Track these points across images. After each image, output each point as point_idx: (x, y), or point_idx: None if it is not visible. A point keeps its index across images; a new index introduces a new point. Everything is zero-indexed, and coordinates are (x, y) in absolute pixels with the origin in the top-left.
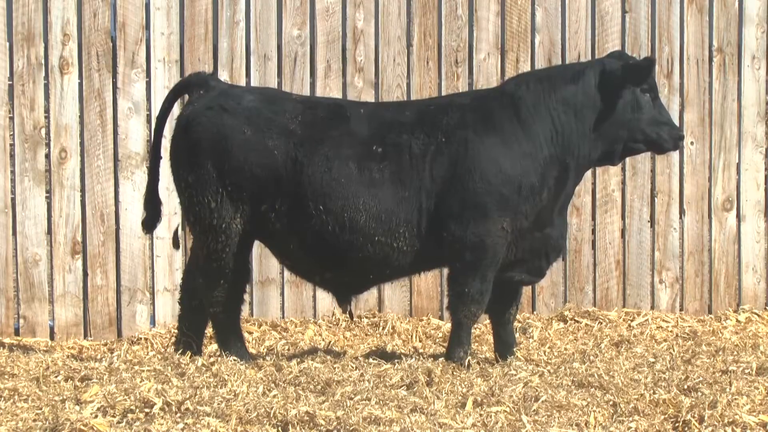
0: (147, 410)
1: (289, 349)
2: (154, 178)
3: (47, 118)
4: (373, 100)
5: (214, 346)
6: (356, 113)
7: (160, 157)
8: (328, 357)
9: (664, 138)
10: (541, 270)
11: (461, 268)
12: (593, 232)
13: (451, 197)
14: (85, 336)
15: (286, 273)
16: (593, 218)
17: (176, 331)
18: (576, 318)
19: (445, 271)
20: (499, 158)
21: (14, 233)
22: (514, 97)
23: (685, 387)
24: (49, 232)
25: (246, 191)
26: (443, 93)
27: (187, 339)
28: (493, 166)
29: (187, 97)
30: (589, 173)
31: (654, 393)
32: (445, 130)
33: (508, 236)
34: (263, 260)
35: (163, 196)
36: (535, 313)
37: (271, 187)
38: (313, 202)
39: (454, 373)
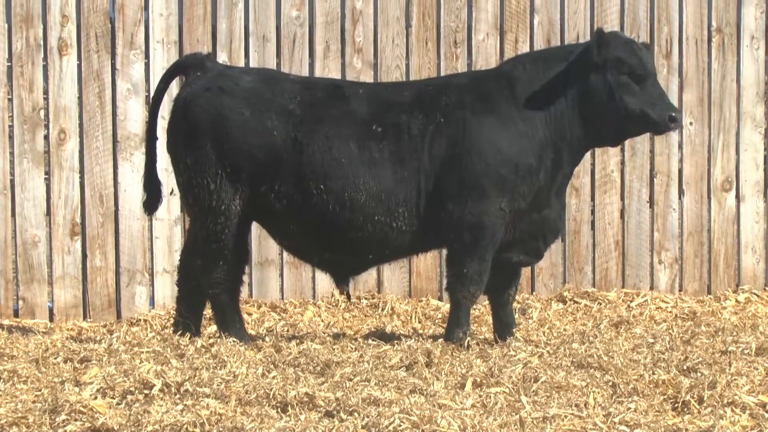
0: (146, 391)
1: (288, 331)
2: (151, 158)
3: (46, 99)
4: (371, 81)
5: (214, 328)
6: (355, 93)
7: (157, 138)
8: (328, 338)
9: (652, 119)
10: (539, 251)
11: (460, 248)
12: (592, 212)
13: (449, 177)
14: (84, 317)
15: (286, 254)
16: (592, 199)
17: (175, 312)
18: (575, 299)
19: (445, 251)
20: (496, 139)
21: (13, 215)
22: (510, 77)
23: (685, 367)
24: (48, 213)
25: (245, 172)
26: (442, 74)
27: (186, 321)
28: (491, 147)
29: (182, 78)
30: (588, 154)
31: (653, 374)
32: (443, 111)
33: (506, 216)
34: (262, 241)
35: (162, 177)
36: (534, 293)
37: (270, 168)
38: (314, 181)
39: (454, 354)
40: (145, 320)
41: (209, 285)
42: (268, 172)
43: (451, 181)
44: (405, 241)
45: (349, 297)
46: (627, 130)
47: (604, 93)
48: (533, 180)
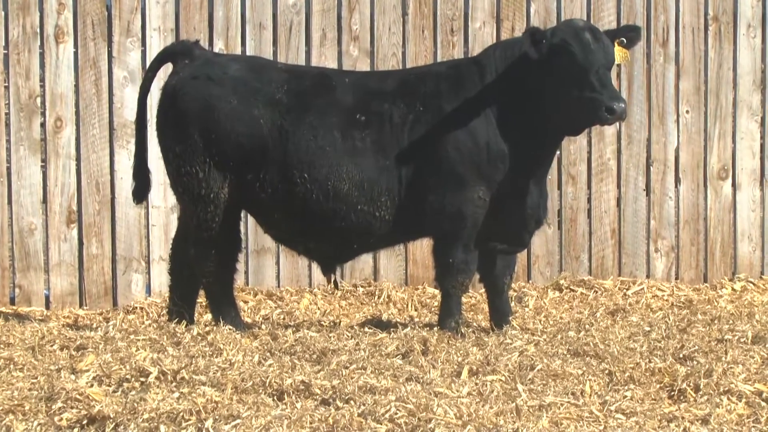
0: (142, 379)
1: (284, 318)
2: (141, 147)
3: (42, 87)
4: (368, 70)
5: (210, 316)
6: (341, 82)
7: (146, 126)
8: (324, 326)
9: (588, 109)
10: (522, 239)
11: (443, 238)
12: (589, 200)
13: (427, 166)
14: (81, 305)
15: None
16: (589, 187)
17: (168, 301)
18: (571, 287)
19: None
20: (469, 126)
21: (9, 202)
22: (480, 64)
23: (681, 356)
24: (45, 201)
25: (233, 161)
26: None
27: (179, 309)
28: (464, 135)
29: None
30: (584, 141)
31: (649, 362)
32: (422, 99)
33: (485, 204)
34: (258, 229)
35: (159, 166)
36: (530, 281)
37: (257, 157)
38: (298, 170)
39: (450, 342)
40: (142, 308)
41: (203, 274)
42: (254, 160)
43: (429, 171)
44: (389, 230)
45: (336, 285)
46: (572, 118)
47: (547, 81)
48: (506, 166)
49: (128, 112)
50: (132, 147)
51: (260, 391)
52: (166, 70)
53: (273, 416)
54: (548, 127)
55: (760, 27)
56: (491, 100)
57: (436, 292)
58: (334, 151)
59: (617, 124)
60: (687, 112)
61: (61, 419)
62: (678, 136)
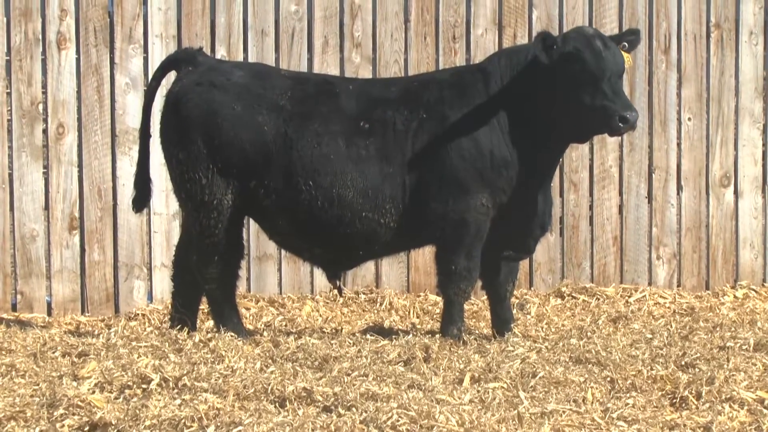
0: (144, 386)
1: (286, 325)
2: (144, 155)
3: (45, 93)
4: (370, 76)
5: (212, 323)
6: (345, 89)
7: (150, 135)
8: (326, 333)
9: (600, 118)
10: (527, 246)
11: (446, 245)
12: (591, 208)
13: (430, 173)
14: (83, 312)
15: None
16: (591, 194)
17: (170, 307)
18: (573, 294)
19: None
20: (472, 133)
21: (11, 209)
22: (485, 72)
23: (683, 363)
24: (47, 207)
25: (236, 167)
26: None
27: (182, 316)
28: (468, 142)
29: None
30: (586, 149)
31: (651, 369)
32: (426, 107)
33: (489, 212)
34: (261, 236)
35: (161, 173)
36: (532, 289)
37: (260, 163)
38: (302, 177)
39: (452, 349)
40: (143, 315)
41: (205, 280)
42: (258, 167)
43: (432, 178)
44: (394, 237)
45: (340, 291)
46: (582, 126)
47: (556, 88)
48: (510, 173)
49: (130, 118)
50: (134, 154)
51: (262, 398)
52: (169, 77)
53: (275, 423)
54: (554, 134)
55: (762, 34)
56: (495, 107)
57: (438, 299)
58: (338, 158)
59: None
60: (689, 119)
61: (63, 426)
62: (680, 144)
